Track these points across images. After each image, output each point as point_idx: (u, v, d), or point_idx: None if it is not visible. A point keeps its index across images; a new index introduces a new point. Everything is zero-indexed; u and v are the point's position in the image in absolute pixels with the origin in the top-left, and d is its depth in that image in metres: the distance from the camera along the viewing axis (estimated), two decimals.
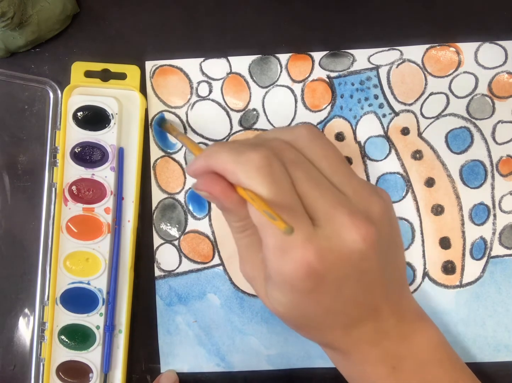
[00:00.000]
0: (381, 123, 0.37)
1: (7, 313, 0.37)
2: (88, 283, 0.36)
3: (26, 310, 0.37)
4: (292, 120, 0.37)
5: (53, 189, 0.36)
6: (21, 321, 0.37)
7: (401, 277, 0.29)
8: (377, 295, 0.27)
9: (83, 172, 0.36)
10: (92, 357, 0.36)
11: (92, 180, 0.36)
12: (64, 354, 0.36)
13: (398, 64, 0.37)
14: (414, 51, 0.37)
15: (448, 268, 0.37)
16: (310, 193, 0.25)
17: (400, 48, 0.37)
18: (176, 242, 0.37)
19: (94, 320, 0.36)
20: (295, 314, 0.27)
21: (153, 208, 0.37)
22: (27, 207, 0.37)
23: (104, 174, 0.36)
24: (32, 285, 0.37)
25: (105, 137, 0.36)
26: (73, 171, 0.36)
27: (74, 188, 0.36)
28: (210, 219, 0.37)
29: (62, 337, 0.36)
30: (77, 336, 0.36)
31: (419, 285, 0.37)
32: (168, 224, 0.37)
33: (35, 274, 0.36)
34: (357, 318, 0.27)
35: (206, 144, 0.37)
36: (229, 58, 0.37)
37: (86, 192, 0.36)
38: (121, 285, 0.36)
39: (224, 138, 0.37)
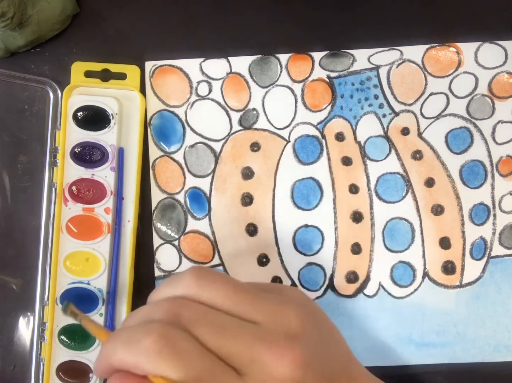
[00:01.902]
0: (381, 123, 0.37)
1: (7, 313, 0.37)
2: (88, 283, 0.36)
3: (26, 310, 0.37)
4: (292, 120, 0.37)
5: (53, 189, 0.36)
6: (21, 321, 0.37)
7: (345, 355, 0.28)
8: None
9: (83, 172, 0.36)
10: (92, 357, 0.36)
11: (92, 180, 0.36)
12: (64, 354, 0.36)
13: (398, 64, 0.37)
14: (414, 51, 0.37)
15: (448, 268, 0.37)
16: (221, 344, 0.23)
17: (400, 48, 0.37)
18: (176, 242, 0.37)
19: (94, 320, 0.36)
20: None
21: (153, 208, 0.37)
22: (27, 207, 0.37)
23: (104, 174, 0.36)
24: (32, 285, 0.37)
25: (105, 137, 0.36)
26: (73, 171, 0.36)
27: (74, 188, 0.36)
28: (210, 219, 0.37)
29: (62, 337, 0.36)
30: (77, 336, 0.36)
31: (419, 285, 0.37)
32: (168, 224, 0.37)
33: (35, 274, 0.36)
34: None
35: (205, 144, 0.37)
36: (229, 58, 0.37)
37: (86, 192, 0.36)
38: (121, 285, 0.36)
39: (223, 138, 0.37)
